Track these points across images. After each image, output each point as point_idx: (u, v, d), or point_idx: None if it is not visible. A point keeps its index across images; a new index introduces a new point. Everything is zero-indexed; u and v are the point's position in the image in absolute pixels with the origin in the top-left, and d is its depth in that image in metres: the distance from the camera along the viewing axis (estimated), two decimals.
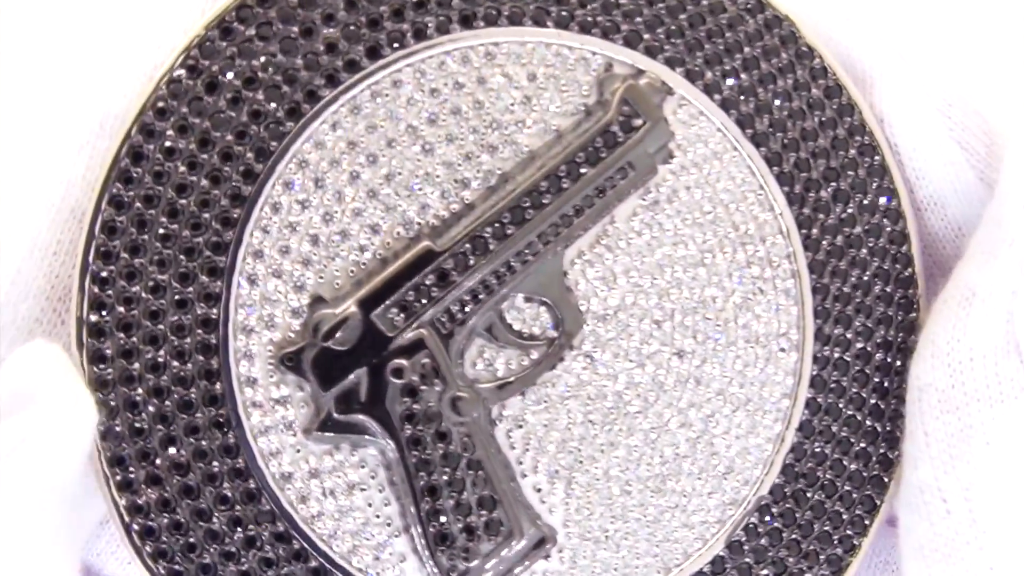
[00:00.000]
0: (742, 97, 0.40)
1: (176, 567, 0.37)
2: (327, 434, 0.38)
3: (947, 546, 0.37)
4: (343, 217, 0.38)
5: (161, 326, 0.37)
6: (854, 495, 0.41)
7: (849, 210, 0.41)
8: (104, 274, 0.37)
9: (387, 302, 0.38)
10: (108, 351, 0.37)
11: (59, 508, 0.34)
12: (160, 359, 0.37)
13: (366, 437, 0.38)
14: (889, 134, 0.41)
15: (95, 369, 0.37)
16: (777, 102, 0.40)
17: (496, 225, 0.38)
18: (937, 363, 0.38)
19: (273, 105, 0.38)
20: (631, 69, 0.39)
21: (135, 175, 0.37)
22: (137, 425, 0.37)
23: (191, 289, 0.37)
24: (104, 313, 0.37)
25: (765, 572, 0.41)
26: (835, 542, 0.41)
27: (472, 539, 0.39)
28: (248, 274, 0.38)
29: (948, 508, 0.37)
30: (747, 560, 0.41)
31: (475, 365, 0.39)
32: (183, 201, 0.37)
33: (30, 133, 0.39)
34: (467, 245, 0.38)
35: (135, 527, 0.37)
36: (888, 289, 0.41)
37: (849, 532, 0.41)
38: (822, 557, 0.41)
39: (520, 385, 0.39)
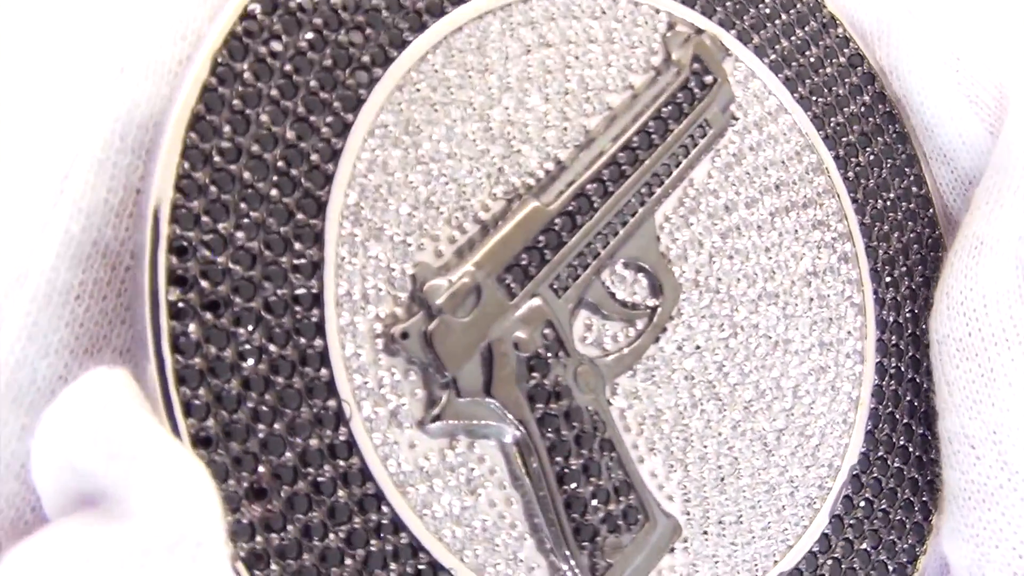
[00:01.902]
0: (785, 61, 0.40)
1: None
2: (445, 424, 0.32)
3: (980, 492, 0.37)
4: (440, 175, 0.33)
5: (252, 304, 0.31)
6: (923, 459, 0.40)
7: (883, 175, 0.41)
8: (182, 242, 0.30)
9: (503, 266, 0.33)
10: (193, 335, 0.30)
11: None
12: (255, 342, 0.30)
13: (490, 424, 0.33)
14: (897, 87, 0.42)
15: (179, 359, 0.29)
16: (813, 68, 0.41)
17: (597, 183, 0.35)
18: (953, 313, 0.38)
19: (359, 49, 0.33)
20: (692, 28, 0.38)
21: (213, 123, 0.31)
22: (235, 426, 0.30)
23: (284, 259, 0.31)
24: (184, 289, 0.30)
25: (864, 546, 0.39)
26: (916, 509, 0.40)
27: (614, 531, 0.34)
28: (346, 239, 0.32)
29: (977, 454, 0.37)
30: (847, 535, 0.38)
31: (584, 340, 0.35)
32: (267, 156, 0.31)
33: (35, 153, 0.31)
34: (574, 203, 0.35)
35: (241, 555, 0.29)
36: (923, 252, 0.42)
37: (925, 498, 0.40)
38: (908, 526, 0.40)
39: (632, 358, 0.36)
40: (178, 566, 0.25)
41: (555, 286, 0.34)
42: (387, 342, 0.32)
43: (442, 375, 0.32)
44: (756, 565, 0.37)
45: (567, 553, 0.33)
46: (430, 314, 0.32)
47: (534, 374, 0.33)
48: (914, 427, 0.40)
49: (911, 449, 0.40)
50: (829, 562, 0.38)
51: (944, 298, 0.38)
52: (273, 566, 0.30)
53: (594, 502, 0.34)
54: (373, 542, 0.31)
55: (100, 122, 0.31)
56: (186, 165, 0.30)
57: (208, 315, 0.30)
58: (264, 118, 0.31)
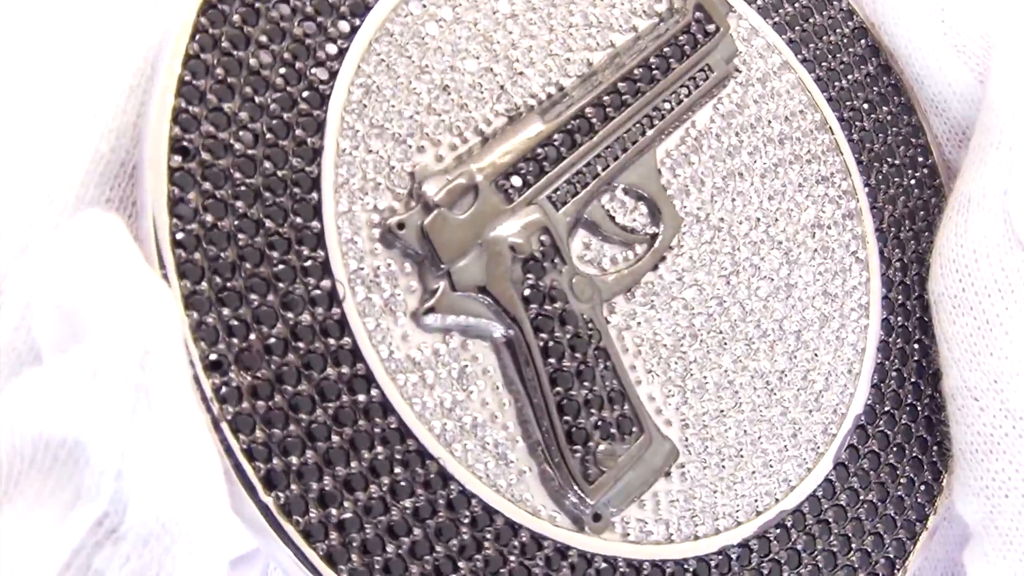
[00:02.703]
0: (788, 25, 0.41)
1: (271, 467, 0.30)
2: (439, 318, 0.32)
3: (987, 443, 0.37)
4: (444, 85, 0.34)
5: (252, 180, 0.31)
6: (932, 419, 0.40)
7: (888, 141, 0.42)
8: (186, 115, 0.31)
9: (502, 172, 0.34)
10: (192, 204, 0.30)
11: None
12: (252, 216, 0.31)
13: (483, 321, 0.33)
14: (887, 41, 0.43)
15: (176, 223, 0.30)
16: (816, 35, 0.42)
17: (598, 108, 0.36)
18: (946, 271, 0.38)
19: None
20: None
21: (223, 11, 0.32)
22: (228, 293, 0.30)
23: (285, 142, 0.32)
24: (187, 159, 0.31)
25: (871, 498, 0.38)
26: (925, 468, 0.39)
27: (607, 439, 0.33)
28: (347, 131, 0.33)
29: (981, 406, 0.37)
30: (852, 484, 0.38)
31: (582, 258, 0.35)
32: (275, 47, 0.32)
33: (73, 79, 0.33)
34: (574, 122, 0.35)
35: (227, 419, 0.29)
36: (930, 220, 0.42)
37: (935, 459, 0.39)
38: (917, 483, 0.39)
39: (631, 279, 0.36)
40: (127, 375, 0.25)
41: (553, 199, 0.35)
42: (384, 233, 0.32)
43: (437, 268, 0.33)
44: (756, 500, 0.36)
45: (557, 459, 0.33)
46: (427, 208, 0.33)
47: (529, 276, 0.34)
48: (923, 387, 0.40)
49: (920, 408, 0.39)
50: (833, 508, 0.37)
51: (937, 257, 0.39)
52: (258, 433, 0.30)
53: (587, 407, 0.33)
54: (361, 422, 0.31)
55: (133, 51, 0.33)
56: (195, 46, 0.31)
57: (208, 185, 0.31)
58: (274, 13, 0.32)
